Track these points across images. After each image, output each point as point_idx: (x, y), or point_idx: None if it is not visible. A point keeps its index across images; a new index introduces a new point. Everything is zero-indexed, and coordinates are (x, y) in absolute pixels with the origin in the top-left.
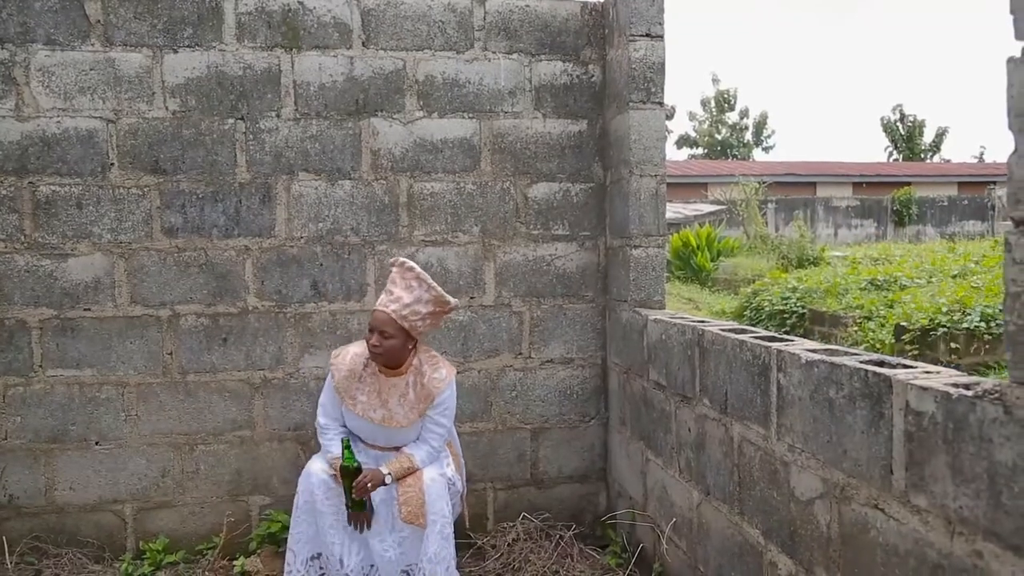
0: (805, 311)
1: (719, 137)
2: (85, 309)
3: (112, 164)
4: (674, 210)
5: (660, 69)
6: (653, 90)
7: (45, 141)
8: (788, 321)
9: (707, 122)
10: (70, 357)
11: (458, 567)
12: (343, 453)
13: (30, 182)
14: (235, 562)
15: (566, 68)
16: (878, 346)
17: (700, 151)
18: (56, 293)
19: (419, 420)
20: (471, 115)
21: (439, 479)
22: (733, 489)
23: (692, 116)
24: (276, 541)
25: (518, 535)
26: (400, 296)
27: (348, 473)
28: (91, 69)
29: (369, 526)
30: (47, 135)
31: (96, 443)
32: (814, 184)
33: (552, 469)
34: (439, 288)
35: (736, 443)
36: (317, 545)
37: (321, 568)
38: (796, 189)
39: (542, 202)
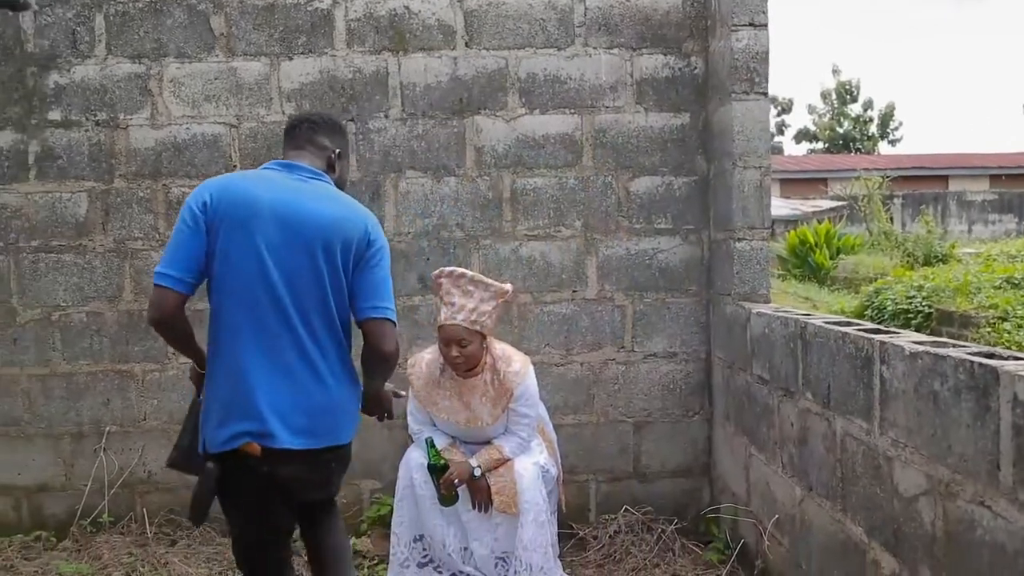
0: (932, 311)
1: (840, 131)
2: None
3: (235, 166)
4: (791, 207)
5: (764, 59)
6: (757, 80)
7: (176, 146)
8: (913, 321)
9: (827, 115)
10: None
11: (560, 556)
12: (428, 452)
13: (163, 184)
14: None
15: (668, 61)
16: (1014, 348)
17: (820, 145)
18: None
19: (503, 415)
20: (572, 111)
21: (531, 468)
22: (836, 485)
23: (811, 109)
24: (385, 523)
25: (620, 527)
26: (464, 304)
27: (435, 470)
28: (215, 78)
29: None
30: (178, 141)
31: None
32: (946, 177)
33: (654, 463)
34: (492, 281)
35: (839, 438)
36: (419, 527)
37: (425, 549)
38: (926, 183)
39: (644, 196)
